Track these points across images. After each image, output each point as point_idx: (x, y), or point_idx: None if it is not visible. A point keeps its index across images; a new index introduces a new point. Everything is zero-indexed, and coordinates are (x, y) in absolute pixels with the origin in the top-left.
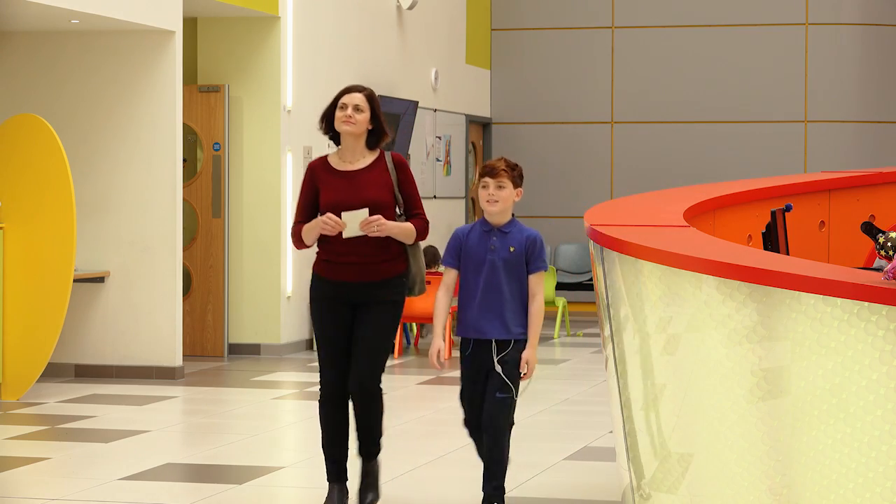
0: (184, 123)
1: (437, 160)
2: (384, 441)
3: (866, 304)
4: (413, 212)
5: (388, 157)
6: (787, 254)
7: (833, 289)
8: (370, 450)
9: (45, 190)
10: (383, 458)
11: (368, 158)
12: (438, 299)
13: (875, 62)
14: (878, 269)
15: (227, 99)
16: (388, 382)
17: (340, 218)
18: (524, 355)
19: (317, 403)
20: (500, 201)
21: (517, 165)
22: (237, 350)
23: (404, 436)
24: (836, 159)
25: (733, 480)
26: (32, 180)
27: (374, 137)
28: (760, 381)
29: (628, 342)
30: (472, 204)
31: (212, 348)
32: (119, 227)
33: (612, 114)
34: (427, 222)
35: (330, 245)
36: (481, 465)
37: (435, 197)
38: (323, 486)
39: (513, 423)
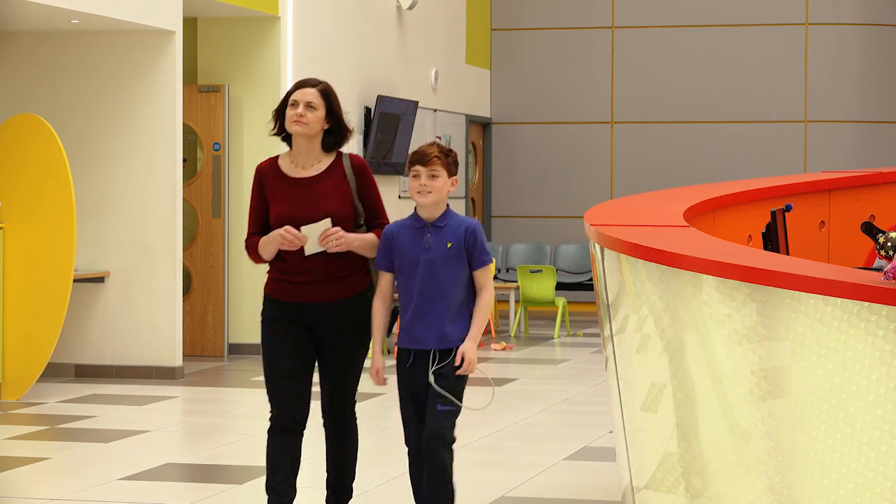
0: (184, 123)
1: None
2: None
3: (866, 304)
4: (376, 221)
5: (346, 160)
6: (787, 254)
7: (833, 289)
8: (339, 497)
9: (44, 190)
10: (384, 458)
11: (324, 163)
12: (374, 310)
13: (875, 62)
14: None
15: (227, 99)
16: (388, 383)
17: (300, 231)
18: (461, 348)
19: (314, 404)
20: (433, 192)
21: (451, 151)
22: (237, 350)
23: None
24: (836, 159)
25: (733, 480)
26: (32, 180)
27: (332, 138)
28: (760, 381)
29: (628, 342)
30: (472, 204)
31: (212, 348)
32: (119, 227)
33: (612, 114)
34: None
35: (282, 262)
36: (482, 465)
37: None
38: (322, 486)
39: (454, 440)
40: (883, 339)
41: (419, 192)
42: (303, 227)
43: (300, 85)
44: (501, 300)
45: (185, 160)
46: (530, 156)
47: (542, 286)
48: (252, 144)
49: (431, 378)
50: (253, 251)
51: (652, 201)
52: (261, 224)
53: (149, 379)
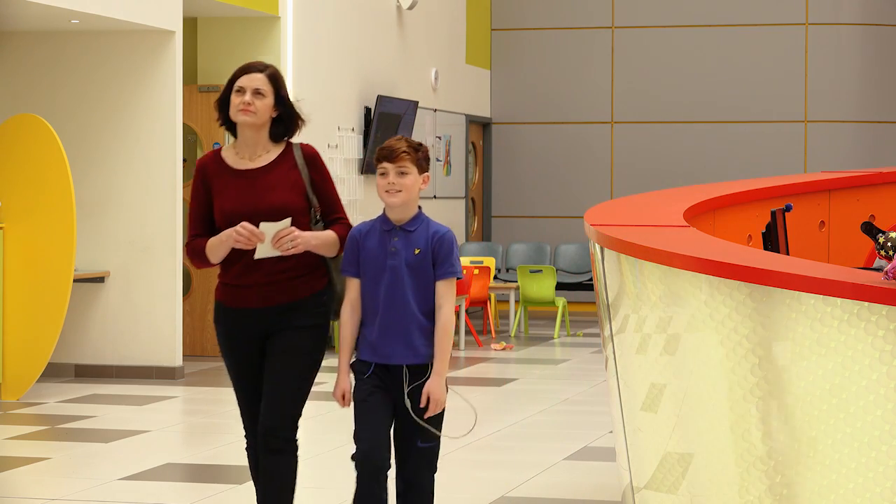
0: (184, 123)
1: (437, 160)
2: None
3: (866, 304)
4: (333, 216)
5: (296, 150)
6: (787, 254)
7: (833, 289)
8: None
9: (44, 189)
10: None
11: (272, 153)
12: (342, 322)
13: (875, 62)
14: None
15: None
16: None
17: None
18: (426, 387)
19: (314, 404)
20: (402, 191)
21: (422, 145)
22: None
23: None
24: (836, 159)
25: (733, 480)
26: (32, 180)
27: (282, 127)
28: (760, 381)
29: (628, 342)
30: (472, 204)
31: (212, 348)
32: (119, 227)
33: (612, 114)
34: (351, 227)
35: (230, 263)
36: (482, 465)
37: (435, 197)
38: (323, 486)
39: (435, 471)
40: (883, 339)
41: (387, 192)
42: (262, 224)
43: (245, 70)
44: (501, 300)
45: (185, 160)
46: (530, 156)
47: (542, 286)
48: None
49: (408, 403)
50: (197, 255)
51: (652, 201)
52: (204, 226)
53: (149, 379)
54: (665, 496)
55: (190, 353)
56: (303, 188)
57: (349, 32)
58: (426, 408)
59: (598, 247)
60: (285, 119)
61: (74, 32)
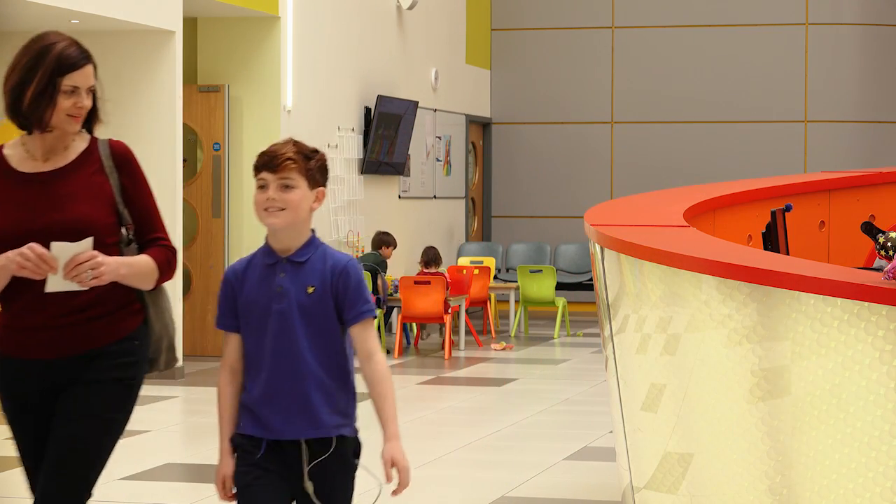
0: (184, 123)
1: (437, 160)
2: None
3: (866, 304)
4: (150, 236)
5: (103, 147)
6: (787, 254)
7: (833, 289)
8: None
9: None
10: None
11: (71, 152)
12: (219, 389)
13: (875, 62)
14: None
15: (227, 99)
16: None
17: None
18: (387, 452)
19: None
20: (287, 209)
21: (317, 152)
22: None
23: (404, 436)
24: (836, 159)
25: (733, 480)
26: None
27: (87, 118)
28: (760, 381)
29: (628, 342)
30: (472, 204)
31: (212, 348)
32: None
33: (612, 114)
34: (174, 252)
35: (10, 299)
36: (482, 465)
37: (435, 197)
38: None
39: None
40: (883, 339)
41: (266, 210)
42: (53, 245)
43: (72, 63)
44: (501, 300)
45: (185, 160)
46: (530, 156)
47: (542, 286)
48: (252, 144)
49: (309, 487)
50: None
51: (652, 201)
52: None
53: (149, 379)
54: (665, 496)
55: (190, 353)
56: (110, 198)
57: (349, 32)
58: (330, 482)
59: (598, 247)
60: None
61: (74, 32)
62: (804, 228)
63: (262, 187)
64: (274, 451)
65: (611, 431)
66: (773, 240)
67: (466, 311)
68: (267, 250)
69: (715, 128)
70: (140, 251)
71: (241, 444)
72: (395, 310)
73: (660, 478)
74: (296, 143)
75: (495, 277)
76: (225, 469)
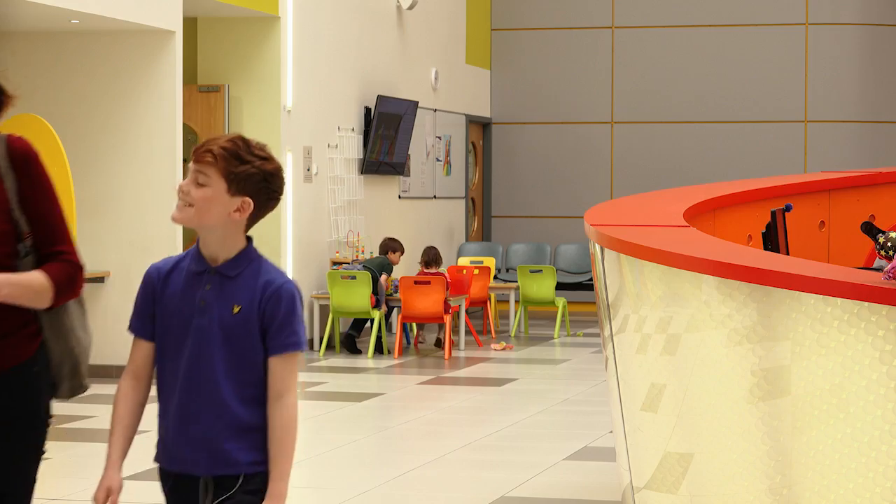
0: (184, 123)
1: (437, 160)
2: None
3: (866, 304)
4: (50, 248)
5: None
6: (787, 254)
7: (833, 289)
8: None
9: None
10: (384, 458)
11: None
12: (118, 394)
13: (875, 62)
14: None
15: (227, 99)
16: (387, 383)
17: None
18: (270, 491)
19: (314, 404)
20: (193, 207)
21: (264, 159)
22: None
23: (404, 436)
24: (836, 159)
25: (733, 480)
26: None
27: None
28: (760, 381)
29: (628, 342)
30: (472, 204)
31: None
32: (119, 227)
33: (612, 114)
34: (78, 267)
35: None
36: (482, 465)
37: (435, 197)
38: (323, 486)
39: None
40: (883, 339)
41: (178, 207)
42: None
43: None
44: (501, 300)
45: (185, 160)
46: (530, 156)
47: (542, 286)
48: None
49: None
50: None
51: (652, 201)
52: None
53: None
54: (665, 496)
55: None
56: (4, 203)
57: (349, 32)
58: None
59: (598, 247)
60: None
61: (74, 32)
62: (804, 228)
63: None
64: (180, 486)
65: (611, 431)
66: (773, 240)
67: (466, 311)
68: (196, 255)
69: (715, 128)
70: (38, 265)
71: (162, 475)
72: (395, 310)
73: (660, 478)
74: (235, 141)
75: (495, 277)
76: (109, 482)
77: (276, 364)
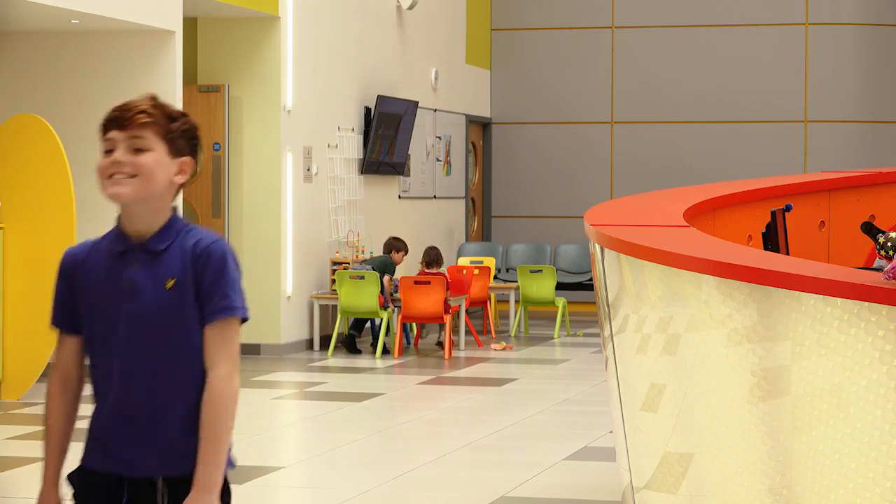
0: None
1: (437, 160)
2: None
3: (866, 304)
4: None
5: None
6: (787, 254)
7: (833, 289)
8: None
9: (44, 190)
10: (384, 458)
11: None
12: (48, 401)
13: (875, 62)
14: (878, 269)
15: (227, 99)
16: (388, 383)
17: None
18: (197, 481)
19: (314, 404)
20: (139, 176)
21: (184, 115)
22: None
23: (404, 436)
24: (836, 159)
25: (733, 480)
26: (32, 180)
27: None
28: (760, 381)
29: (628, 342)
30: (472, 204)
31: None
32: None
33: (612, 114)
34: None
35: None
36: (482, 465)
37: (435, 197)
38: (323, 486)
39: None
40: (883, 339)
41: (110, 178)
42: None
43: None
44: (501, 300)
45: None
46: (530, 156)
47: (542, 286)
48: (252, 144)
49: None
50: None
51: (652, 201)
52: None
53: None
54: (665, 496)
55: None
56: None
57: (349, 32)
58: None
59: (598, 247)
60: None
61: (74, 32)
62: (804, 228)
63: (108, 151)
64: (121, 492)
65: (611, 431)
66: (773, 240)
67: (466, 311)
68: (117, 234)
69: (715, 128)
70: None
71: (81, 482)
72: (395, 310)
73: (660, 478)
74: (156, 100)
75: (495, 277)
76: (46, 502)
77: (208, 333)
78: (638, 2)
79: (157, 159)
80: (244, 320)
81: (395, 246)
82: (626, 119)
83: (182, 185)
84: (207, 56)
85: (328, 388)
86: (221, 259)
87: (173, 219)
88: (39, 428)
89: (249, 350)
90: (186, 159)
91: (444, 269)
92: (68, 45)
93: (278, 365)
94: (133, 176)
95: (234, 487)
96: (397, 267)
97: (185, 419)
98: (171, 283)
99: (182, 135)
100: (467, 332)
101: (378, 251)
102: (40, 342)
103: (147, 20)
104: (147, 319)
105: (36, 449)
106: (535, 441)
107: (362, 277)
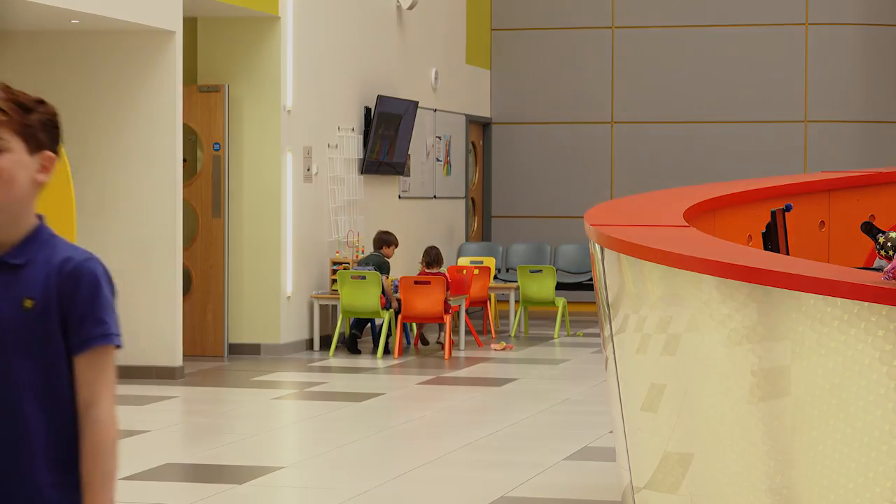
0: (184, 123)
1: (437, 160)
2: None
3: (866, 304)
4: None
5: None
6: (787, 254)
7: (833, 289)
8: None
9: (45, 190)
10: (384, 458)
11: None
12: None
13: (875, 62)
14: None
15: (227, 99)
16: (388, 383)
17: None
18: None
19: (314, 404)
20: (3, 177)
21: (42, 103)
22: (237, 350)
23: (404, 436)
24: (836, 159)
25: (733, 480)
26: None
27: None
28: (760, 381)
29: (628, 342)
30: (472, 204)
31: (212, 348)
32: (119, 227)
33: (612, 114)
34: None
35: None
36: (482, 465)
37: (435, 197)
38: (323, 486)
39: None
40: (883, 339)
41: None
42: None
43: None
44: (501, 300)
45: (185, 160)
46: (530, 156)
47: (542, 286)
48: (252, 144)
49: None
50: None
51: (652, 201)
52: None
53: (149, 379)
54: (665, 496)
55: (190, 353)
56: None
57: (349, 32)
58: None
59: (598, 247)
60: None
61: (74, 32)
62: (804, 228)
63: None
64: None
65: (611, 431)
66: (773, 240)
67: (466, 311)
68: None
69: (715, 128)
70: None
71: None
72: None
73: (660, 478)
74: (9, 90)
75: (495, 277)
76: None
77: (80, 365)
78: (638, 2)
79: (16, 161)
80: (117, 347)
81: (386, 240)
82: (626, 119)
83: (43, 185)
84: (207, 56)
85: (328, 389)
86: (93, 280)
87: (38, 229)
88: None
89: (249, 350)
90: (47, 153)
91: (444, 269)
92: (68, 45)
93: (278, 365)
94: None
95: (234, 487)
96: (390, 261)
97: (48, 463)
98: (29, 304)
99: (41, 127)
100: (467, 332)
101: (372, 246)
102: None
103: (147, 20)
104: (2, 342)
105: None
106: (535, 441)
107: (364, 278)
